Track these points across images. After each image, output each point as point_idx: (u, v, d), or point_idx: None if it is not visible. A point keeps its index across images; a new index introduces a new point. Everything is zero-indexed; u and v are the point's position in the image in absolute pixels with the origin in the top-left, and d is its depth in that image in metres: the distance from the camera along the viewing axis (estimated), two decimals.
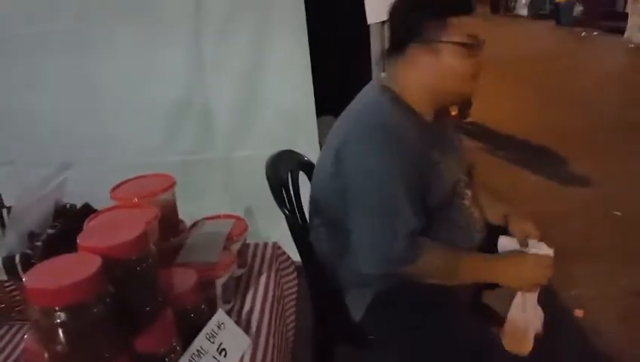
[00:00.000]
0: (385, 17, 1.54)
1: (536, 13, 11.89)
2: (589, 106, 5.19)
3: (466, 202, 1.43)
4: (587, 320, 2.23)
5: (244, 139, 2.49)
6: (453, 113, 4.72)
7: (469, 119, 4.91)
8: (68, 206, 1.26)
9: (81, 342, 0.77)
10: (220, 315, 1.00)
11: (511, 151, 4.29)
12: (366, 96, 1.42)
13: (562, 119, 4.88)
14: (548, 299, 2.22)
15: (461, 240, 1.39)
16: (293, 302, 1.47)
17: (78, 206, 1.27)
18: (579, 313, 2.27)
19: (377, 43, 2.41)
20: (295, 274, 1.46)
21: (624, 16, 8.22)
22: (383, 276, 1.32)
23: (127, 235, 0.86)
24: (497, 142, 4.51)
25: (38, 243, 1.10)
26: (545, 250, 1.39)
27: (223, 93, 2.44)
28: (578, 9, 9.75)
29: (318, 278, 1.52)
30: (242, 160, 2.50)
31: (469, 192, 1.45)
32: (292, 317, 1.47)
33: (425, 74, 1.34)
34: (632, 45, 7.80)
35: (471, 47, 1.31)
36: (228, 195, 2.53)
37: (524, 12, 12.45)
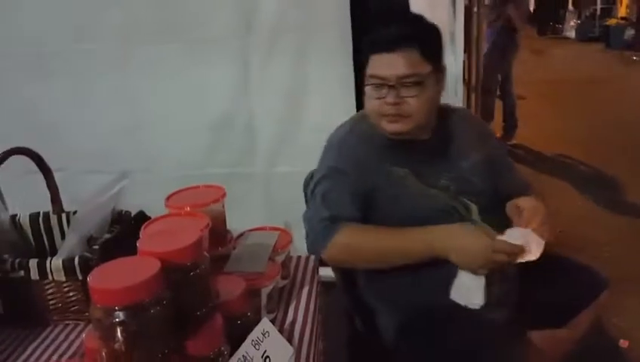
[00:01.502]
0: None
1: (585, 35, 11.69)
2: (638, 131, 5.08)
3: (473, 220, 1.37)
4: (633, 351, 2.17)
5: (284, 155, 2.53)
6: (498, 135, 4.69)
7: (514, 141, 4.87)
8: (123, 213, 1.32)
9: (138, 340, 0.82)
10: (265, 323, 1.03)
11: (556, 174, 4.22)
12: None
13: (609, 144, 4.78)
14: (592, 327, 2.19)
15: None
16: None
17: (133, 213, 1.34)
18: (624, 343, 2.22)
19: None
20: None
21: None
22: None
23: (184, 241, 0.91)
24: (542, 164, 4.45)
25: (96, 247, 1.17)
26: (520, 239, 1.21)
27: (266, 111, 2.50)
28: (629, 32, 9.57)
29: (352, 296, 1.55)
30: (282, 175, 2.55)
31: (478, 218, 1.38)
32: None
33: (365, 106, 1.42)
34: None
35: (373, 85, 1.35)
36: (267, 209, 2.58)
37: (571, 34, 12.26)
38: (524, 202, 1.32)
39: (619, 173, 4.05)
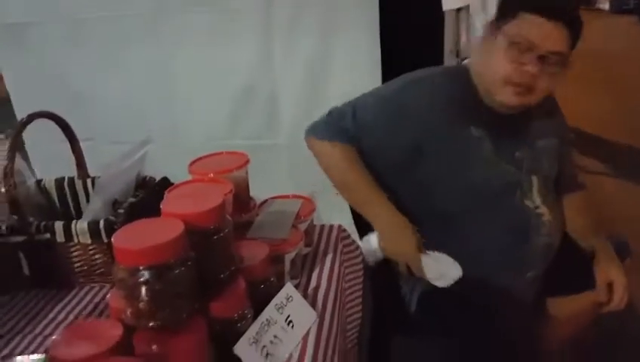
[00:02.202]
0: (461, 4, 1.52)
1: (619, 8, 11.29)
2: None
3: (529, 203, 1.34)
4: None
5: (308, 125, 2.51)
6: None
7: None
8: (147, 178, 1.32)
9: (162, 300, 0.82)
10: (289, 288, 1.03)
11: (587, 152, 4.12)
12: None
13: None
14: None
15: (505, 243, 1.31)
16: (359, 286, 1.48)
17: (157, 179, 1.34)
18: None
19: (451, 33, 2.36)
20: (361, 258, 1.47)
21: None
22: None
23: (208, 205, 0.91)
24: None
25: (121, 211, 1.17)
26: (435, 271, 1.27)
27: (289, 83, 2.47)
28: None
29: (376, 267, 1.53)
30: (306, 147, 2.53)
31: (537, 196, 1.35)
32: (358, 301, 1.49)
33: (476, 56, 1.32)
34: None
35: (520, 48, 1.20)
36: (291, 180, 2.57)
37: (605, 6, 11.86)
38: (618, 277, 1.34)
39: None
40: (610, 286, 1.34)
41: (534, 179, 1.36)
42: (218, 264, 0.93)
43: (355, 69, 2.38)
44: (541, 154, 1.39)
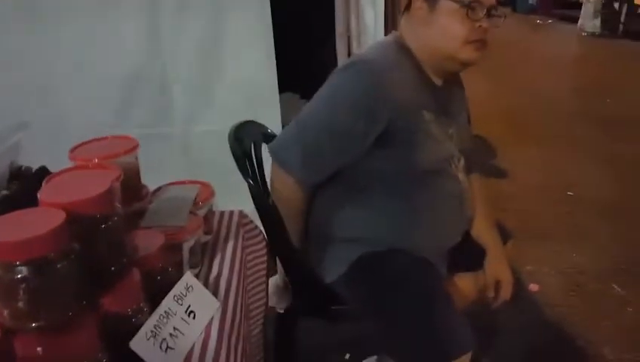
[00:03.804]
0: None
1: (496, 3, 12.05)
2: (539, 92, 5.31)
3: (460, 177, 1.41)
4: (541, 294, 2.30)
5: (203, 113, 2.43)
6: None
7: None
8: (23, 168, 1.20)
9: (44, 298, 0.73)
10: (188, 278, 0.97)
11: None
12: (379, 45, 1.43)
13: (513, 104, 4.98)
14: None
15: (452, 211, 1.39)
16: (263, 272, 1.45)
17: (34, 169, 1.22)
18: (534, 287, 2.34)
19: (341, 15, 2.37)
20: (264, 243, 1.44)
21: (578, 5, 8.48)
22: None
23: (92, 191, 0.83)
24: None
25: None
26: None
27: (180, 66, 2.37)
28: None
29: (283, 244, 1.50)
30: (201, 134, 2.44)
31: (462, 164, 1.43)
32: (262, 286, 1.46)
33: (421, 30, 1.32)
34: (585, 34, 8.05)
35: (470, 8, 1.26)
36: (187, 170, 2.47)
37: None
38: (505, 277, 1.46)
39: (521, 133, 4.20)
40: (498, 282, 1.46)
41: (461, 155, 1.42)
42: (108, 255, 0.86)
43: (247, 51, 2.33)
44: (461, 129, 1.46)
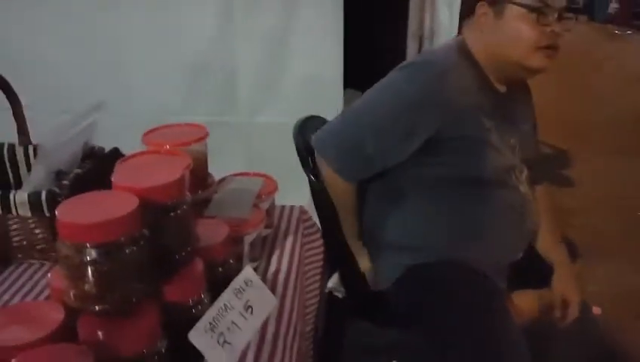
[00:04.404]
0: None
1: (567, 6, 11.62)
2: (612, 103, 5.05)
3: (522, 188, 1.36)
4: (604, 318, 2.19)
5: (267, 105, 2.44)
6: None
7: None
8: (96, 148, 1.22)
9: (110, 282, 0.74)
10: (248, 272, 0.96)
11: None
12: (441, 47, 1.40)
13: (583, 115, 4.74)
14: None
15: (511, 225, 1.34)
16: (319, 270, 1.43)
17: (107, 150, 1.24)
18: (597, 310, 2.23)
19: (415, 15, 2.33)
20: (321, 240, 1.42)
21: None
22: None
23: (165, 178, 0.83)
24: None
25: (66, 182, 1.07)
26: None
27: (249, 56, 2.39)
28: (614, 6, 9.53)
29: (339, 245, 1.49)
30: (265, 126, 2.45)
31: (525, 182, 1.38)
32: (317, 284, 1.44)
33: (487, 36, 1.27)
34: None
35: (540, 12, 1.21)
36: (248, 160, 2.49)
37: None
38: (574, 297, 1.40)
39: (589, 144, 4.00)
40: (565, 302, 1.39)
41: (523, 166, 1.37)
42: (174, 243, 0.86)
43: (316, 46, 2.32)
44: (525, 139, 1.40)
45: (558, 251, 1.45)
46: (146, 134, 1.13)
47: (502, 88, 1.34)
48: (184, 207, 0.85)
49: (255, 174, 1.28)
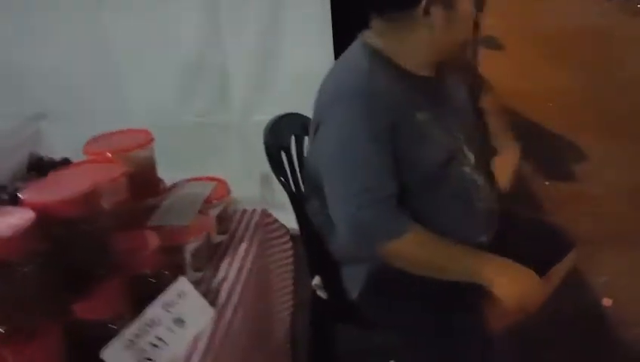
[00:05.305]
0: None
1: None
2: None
3: (466, 169, 1.28)
4: (614, 310, 2.07)
5: (260, 102, 2.40)
6: None
7: None
8: (45, 158, 1.20)
9: (6, 304, 0.71)
10: (182, 283, 0.92)
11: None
12: (351, 57, 1.28)
13: (610, 100, 4.52)
14: (574, 284, 2.09)
15: (455, 212, 1.26)
16: (289, 274, 1.39)
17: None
18: (607, 302, 2.12)
19: None
20: (290, 243, 1.37)
21: None
22: (366, 252, 1.20)
23: (71, 192, 0.79)
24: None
25: (5, 197, 1.05)
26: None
27: (239, 55, 2.35)
28: None
29: (315, 251, 1.43)
30: (259, 124, 2.40)
31: (471, 157, 1.30)
32: (288, 289, 1.40)
33: (437, 35, 1.18)
34: None
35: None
36: (243, 160, 2.47)
37: None
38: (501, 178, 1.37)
39: (615, 129, 3.81)
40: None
41: (465, 145, 1.29)
42: (88, 259, 0.82)
43: (306, 42, 2.26)
44: (463, 112, 1.34)
45: (505, 137, 1.46)
46: (88, 142, 1.10)
47: (429, 72, 1.26)
48: (97, 220, 0.81)
49: (208, 178, 1.23)
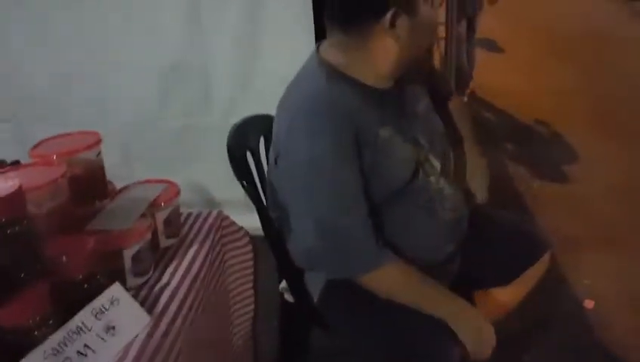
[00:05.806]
0: None
1: None
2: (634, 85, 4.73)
3: (432, 178, 1.25)
4: (595, 313, 2.04)
5: (242, 104, 2.37)
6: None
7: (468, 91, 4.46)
8: None
9: None
10: (116, 289, 0.91)
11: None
12: (308, 75, 1.25)
13: (606, 99, 4.46)
14: (556, 287, 2.06)
15: (420, 224, 1.24)
16: (248, 278, 1.37)
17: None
18: (588, 304, 2.08)
19: None
20: (249, 246, 1.35)
21: None
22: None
23: None
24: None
25: None
26: None
27: (220, 57, 2.34)
28: None
29: (281, 255, 1.41)
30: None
31: (437, 164, 1.27)
32: (248, 293, 1.38)
33: (402, 42, 1.15)
34: None
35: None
36: (226, 161, 2.44)
37: None
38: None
39: (610, 130, 3.76)
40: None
41: (430, 154, 1.27)
42: (14, 263, 0.80)
43: (287, 41, 2.24)
44: (426, 120, 1.31)
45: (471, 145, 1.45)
46: (36, 145, 1.09)
47: (389, 84, 1.23)
48: (20, 224, 0.80)
49: (157, 181, 1.21)
